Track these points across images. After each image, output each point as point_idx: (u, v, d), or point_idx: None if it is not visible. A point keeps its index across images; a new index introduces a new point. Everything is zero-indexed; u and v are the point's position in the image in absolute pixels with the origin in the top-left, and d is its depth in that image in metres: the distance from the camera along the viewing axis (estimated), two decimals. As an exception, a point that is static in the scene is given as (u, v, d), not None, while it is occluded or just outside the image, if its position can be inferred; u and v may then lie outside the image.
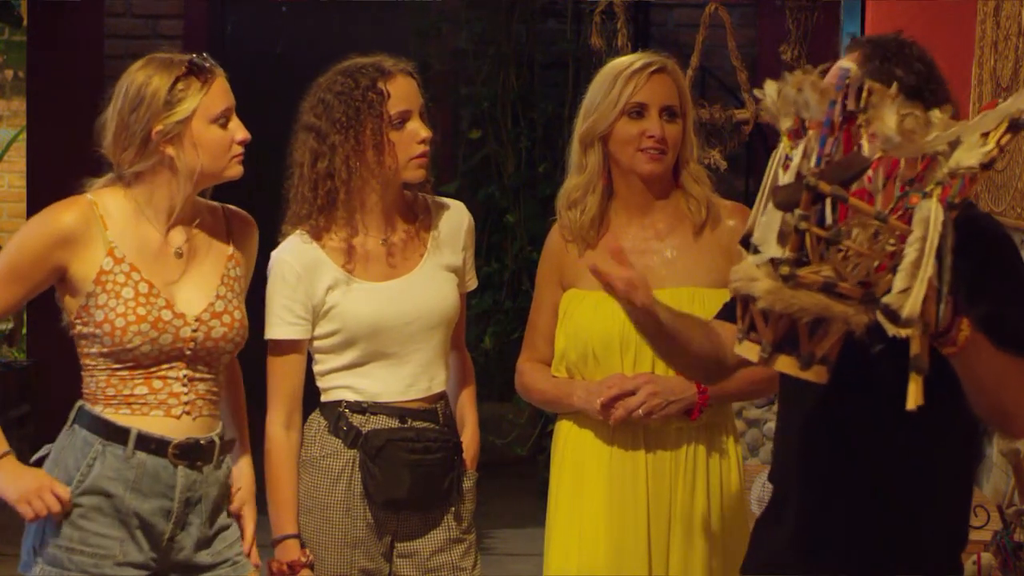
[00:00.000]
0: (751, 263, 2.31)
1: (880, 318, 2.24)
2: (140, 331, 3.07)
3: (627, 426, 3.29)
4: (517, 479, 7.25)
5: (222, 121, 3.12)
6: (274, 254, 3.34)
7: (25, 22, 7.35)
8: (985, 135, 2.30)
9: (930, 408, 2.44)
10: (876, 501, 2.69)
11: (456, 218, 3.44)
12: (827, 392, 2.50)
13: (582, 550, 3.34)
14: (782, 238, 2.29)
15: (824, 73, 2.47)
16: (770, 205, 2.34)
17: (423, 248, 3.38)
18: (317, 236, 3.32)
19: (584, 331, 3.32)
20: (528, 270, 7.61)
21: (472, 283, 3.49)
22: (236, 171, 3.15)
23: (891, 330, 2.24)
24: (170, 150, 3.08)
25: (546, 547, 3.43)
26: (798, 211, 2.25)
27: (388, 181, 3.31)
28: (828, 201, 2.28)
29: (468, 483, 3.42)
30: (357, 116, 3.26)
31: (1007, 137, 2.32)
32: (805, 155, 2.33)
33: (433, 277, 3.37)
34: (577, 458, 3.37)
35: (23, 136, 7.85)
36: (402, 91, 3.31)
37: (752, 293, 2.29)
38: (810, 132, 2.36)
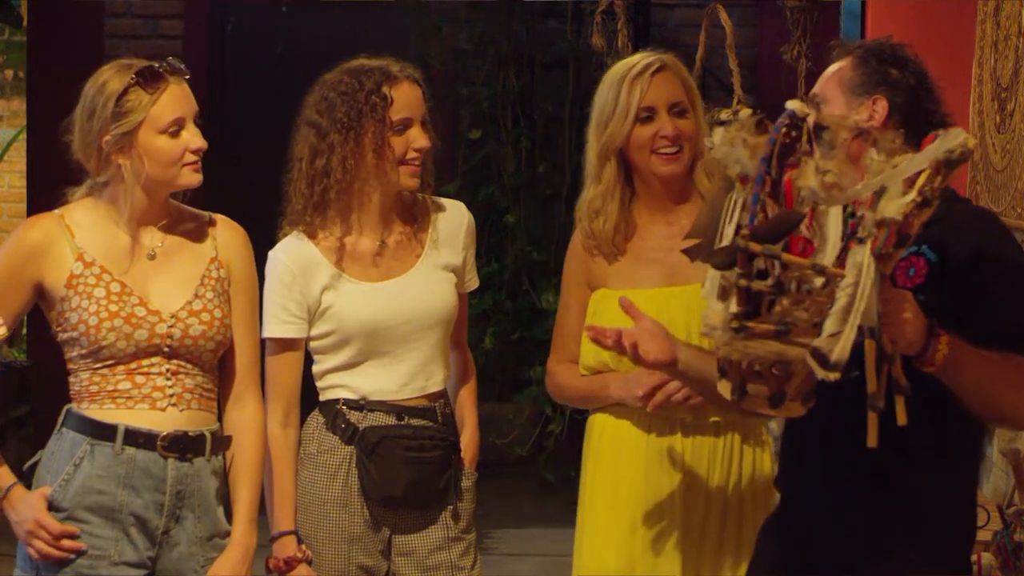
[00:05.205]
0: (713, 312, 2.39)
1: (810, 361, 2.29)
2: (114, 327, 3.09)
3: (664, 416, 3.28)
4: (517, 479, 7.26)
5: (173, 130, 3.12)
6: (271, 253, 3.35)
7: (25, 22, 7.35)
8: (912, 180, 2.33)
9: (931, 409, 2.44)
10: (878, 503, 2.69)
11: (456, 218, 3.45)
12: (827, 397, 2.50)
13: (620, 542, 3.32)
14: (723, 293, 2.37)
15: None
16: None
17: (421, 248, 3.39)
18: (312, 235, 3.33)
19: None
20: (528, 270, 7.61)
21: (473, 283, 3.49)
22: (190, 179, 3.15)
23: (820, 373, 2.30)
24: (120, 159, 3.11)
25: (577, 542, 3.41)
26: (736, 270, 2.33)
27: (387, 185, 3.32)
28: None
29: (467, 483, 3.42)
30: (359, 118, 3.27)
31: (940, 179, 2.34)
32: (744, 208, 2.39)
33: (430, 277, 3.38)
34: (613, 451, 3.35)
35: (23, 136, 7.85)
36: (406, 98, 3.31)
37: (713, 342, 2.38)
38: (744, 187, 2.42)
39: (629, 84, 3.32)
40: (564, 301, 3.49)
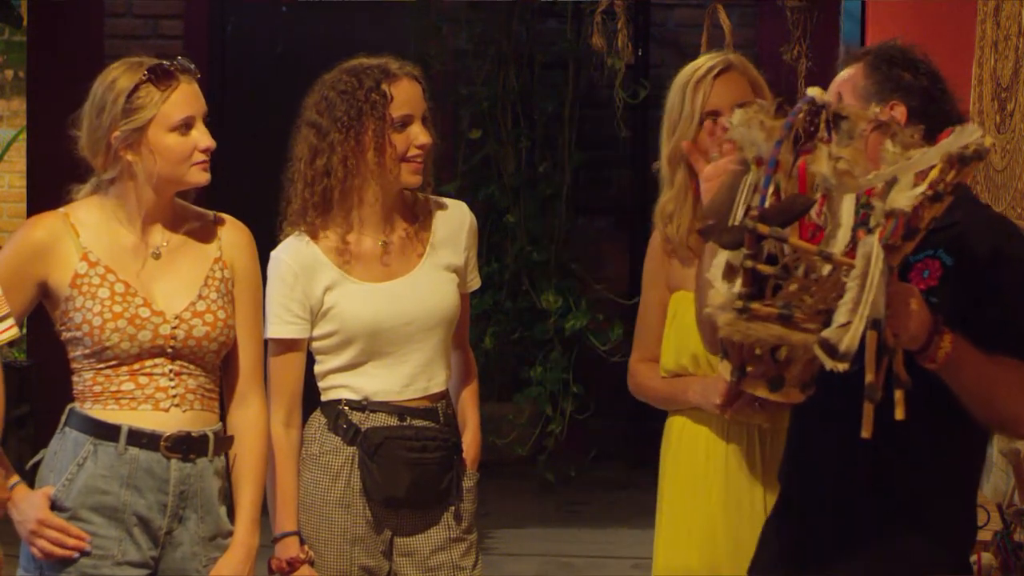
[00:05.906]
0: (718, 292, 2.39)
1: (818, 352, 2.29)
2: (117, 328, 3.09)
3: (742, 422, 3.26)
4: (517, 479, 7.26)
5: (182, 129, 3.12)
6: (273, 254, 3.35)
7: (25, 22, 7.35)
8: (926, 174, 2.33)
9: (933, 409, 2.44)
10: (879, 502, 2.69)
11: (457, 218, 3.45)
12: (830, 394, 2.50)
13: (702, 546, 3.30)
14: (728, 273, 2.37)
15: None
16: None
17: (422, 248, 3.39)
18: (314, 236, 3.33)
19: (696, 334, 3.27)
20: (528, 270, 7.61)
21: (475, 283, 3.49)
22: (199, 178, 3.16)
23: (829, 364, 2.29)
24: (129, 156, 3.11)
25: (656, 541, 3.39)
26: (744, 250, 2.33)
27: (388, 183, 3.32)
28: None
29: (469, 483, 3.42)
30: (359, 116, 3.27)
31: (952, 174, 2.34)
32: (757, 190, 2.39)
33: (432, 277, 3.38)
34: (691, 454, 3.34)
35: (23, 136, 7.85)
36: (406, 95, 3.31)
37: (716, 322, 2.39)
38: (759, 169, 2.42)
39: (693, 88, 3.29)
40: (644, 300, 3.46)
